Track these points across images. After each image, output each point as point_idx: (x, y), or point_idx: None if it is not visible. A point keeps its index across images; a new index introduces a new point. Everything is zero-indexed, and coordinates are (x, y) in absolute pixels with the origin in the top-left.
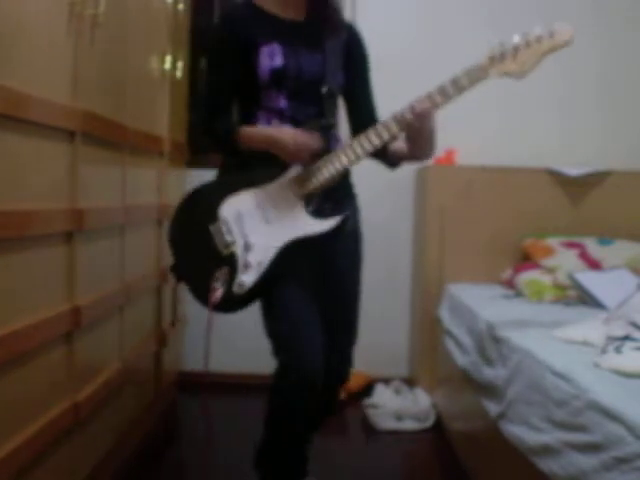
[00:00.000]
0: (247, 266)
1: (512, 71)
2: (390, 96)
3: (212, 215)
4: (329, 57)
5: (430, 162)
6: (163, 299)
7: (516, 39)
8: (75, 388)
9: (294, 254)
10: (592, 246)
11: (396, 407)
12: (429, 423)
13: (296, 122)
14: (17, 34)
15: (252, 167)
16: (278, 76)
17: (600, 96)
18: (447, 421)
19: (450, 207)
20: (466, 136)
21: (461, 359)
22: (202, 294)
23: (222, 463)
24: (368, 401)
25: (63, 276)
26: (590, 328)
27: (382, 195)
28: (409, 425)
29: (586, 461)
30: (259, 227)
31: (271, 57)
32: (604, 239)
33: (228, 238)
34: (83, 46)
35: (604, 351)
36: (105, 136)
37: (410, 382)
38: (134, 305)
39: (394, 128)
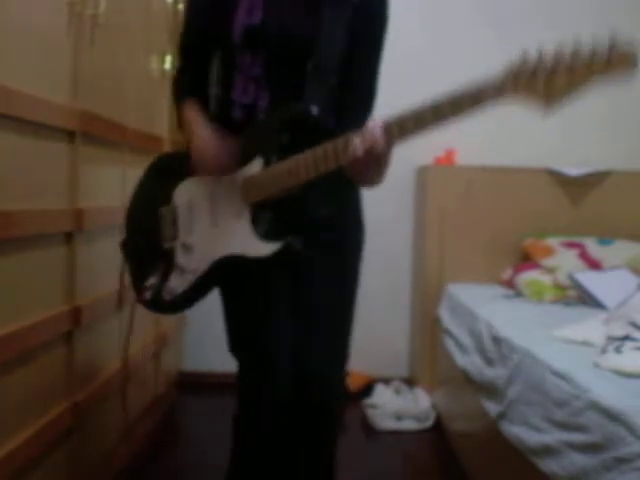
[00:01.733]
0: (182, 270)
1: (539, 100)
2: (393, 95)
3: (166, 195)
4: (325, 24)
5: (430, 162)
6: None
7: (552, 56)
8: (75, 388)
9: (247, 263)
10: (592, 246)
11: (396, 407)
12: (429, 423)
13: (275, 96)
14: (17, 34)
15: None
16: (252, 36)
17: (600, 96)
18: (447, 421)
19: (450, 207)
20: (466, 136)
21: (461, 359)
22: (136, 285)
23: (222, 463)
24: (368, 401)
25: (63, 276)
26: (590, 328)
27: (382, 195)
28: (409, 425)
29: (586, 461)
30: (204, 227)
31: (249, 12)
32: (604, 239)
33: (171, 231)
34: (83, 46)
35: (604, 351)
36: (105, 136)
37: (410, 382)
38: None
39: (331, 161)
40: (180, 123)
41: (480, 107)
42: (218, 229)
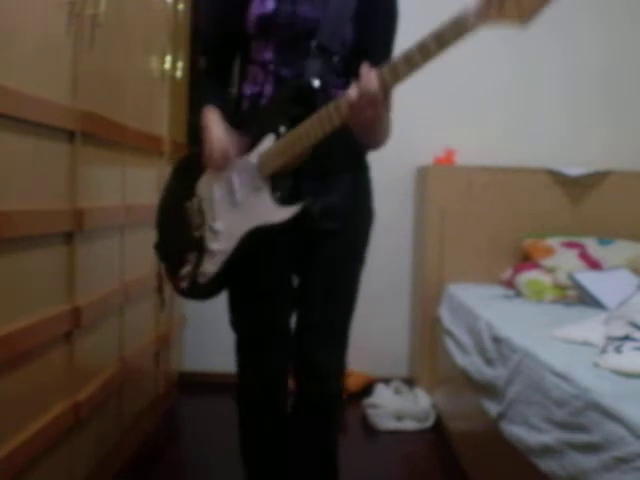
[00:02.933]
0: (213, 254)
1: (512, 17)
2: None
3: (191, 189)
4: (333, 4)
5: (430, 162)
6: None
7: None
8: (75, 388)
9: (267, 241)
10: (592, 246)
11: (396, 407)
12: (429, 423)
13: (279, 78)
14: (17, 34)
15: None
16: (266, 24)
17: (601, 96)
18: (447, 421)
19: (450, 207)
20: (466, 136)
21: (461, 359)
22: (172, 276)
23: (222, 463)
24: (368, 401)
25: (63, 276)
26: (590, 328)
27: (382, 195)
28: (409, 425)
29: (586, 461)
30: (226, 210)
31: (262, 2)
32: (604, 239)
33: (198, 219)
34: (83, 46)
35: (604, 351)
36: (105, 136)
37: (410, 382)
38: (134, 305)
39: (335, 119)
40: (190, 122)
41: (462, 37)
42: (238, 208)
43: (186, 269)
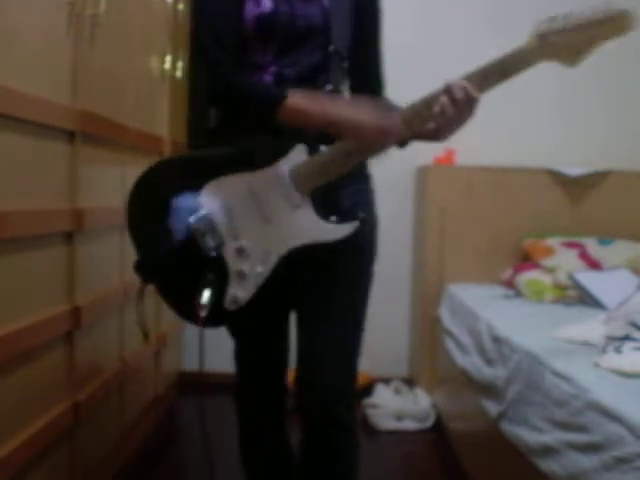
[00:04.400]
0: (242, 276)
1: (564, 56)
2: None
3: (193, 206)
4: (335, 4)
5: (430, 162)
6: None
7: (573, 17)
8: (75, 388)
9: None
10: (592, 246)
11: (396, 407)
12: (429, 423)
13: (282, 79)
14: (17, 34)
15: (235, 139)
16: (265, 26)
17: (600, 96)
18: (447, 421)
19: (450, 207)
20: (466, 136)
21: (461, 359)
22: (182, 307)
23: (222, 463)
24: (368, 401)
25: (63, 276)
26: (590, 328)
27: (382, 195)
28: (409, 425)
29: (586, 461)
30: (254, 226)
31: (257, 1)
32: (604, 239)
33: (212, 239)
34: (83, 46)
35: (604, 351)
36: (105, 136)
37: (410, 382)
38: (134, 305)
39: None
40: (190, 122)
41: (521, 70)
42: (272, 225)
43: (204, 296)
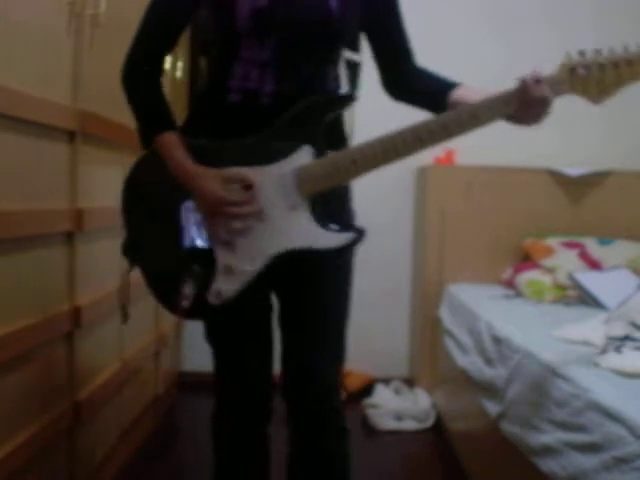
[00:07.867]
0: (229, 271)
1: (592, 93)
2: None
3: (183, 191)
4: (338, 6)
5: (430, 162)
6: None
7: (604, 53)
8: (75, 388)
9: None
10: (592, 246)
11: (396, 407)
12: (429, 423)
13: (282, 80)
14: (17, 34)
15: (240, 133)
16: (262, 20)
17: None
18: (447, 421)
19: (450, 207)
20: (466, 136)
21: (461, 359)
22: (164, 295)
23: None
24: (368, 401)
25: (63, 276)
26: (590, 328)
27: (382, 195)
28: (409, 425)
29: (586, 461)
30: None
31: None
32: (604, 239)
33: (198, 231)
34: (83, 46)
35: (604, 351)
36: (105, 136)
37: (410, 382)
38: (134, 305)
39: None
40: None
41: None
42: (268, 223)
43: (187, 287)
